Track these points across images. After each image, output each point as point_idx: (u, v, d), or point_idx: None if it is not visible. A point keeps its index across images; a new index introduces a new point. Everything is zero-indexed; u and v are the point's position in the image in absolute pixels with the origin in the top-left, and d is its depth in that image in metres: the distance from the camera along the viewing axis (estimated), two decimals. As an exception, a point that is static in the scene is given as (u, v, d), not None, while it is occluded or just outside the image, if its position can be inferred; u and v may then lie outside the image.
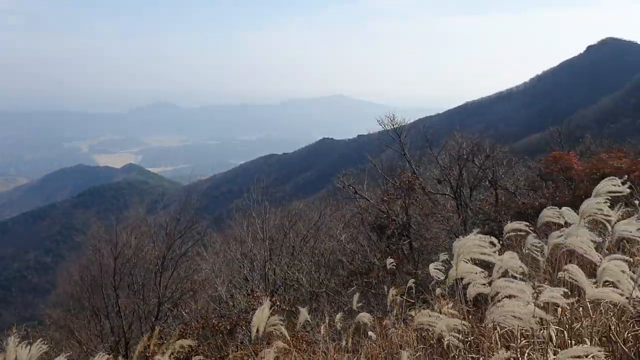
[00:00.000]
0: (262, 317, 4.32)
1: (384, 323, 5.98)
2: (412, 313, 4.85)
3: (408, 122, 20.65)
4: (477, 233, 3.02)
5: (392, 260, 7.56)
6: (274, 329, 4.49)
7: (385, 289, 6.39)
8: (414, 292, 6.93)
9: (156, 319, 14.41)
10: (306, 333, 8.05)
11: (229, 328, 9.08)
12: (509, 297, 2.46)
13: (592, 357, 2.12)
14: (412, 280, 7.21)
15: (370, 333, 5.51)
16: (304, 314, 5.63)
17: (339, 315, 6.28)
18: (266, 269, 13.31)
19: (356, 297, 5.72)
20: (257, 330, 4.24)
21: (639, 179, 15.11)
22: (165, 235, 16.46)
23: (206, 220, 33.10)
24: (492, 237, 3.04)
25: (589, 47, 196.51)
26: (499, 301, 2.42)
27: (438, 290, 5.98)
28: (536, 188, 16.96)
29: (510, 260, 2.77)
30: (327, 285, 13.18)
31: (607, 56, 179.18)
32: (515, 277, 2.73)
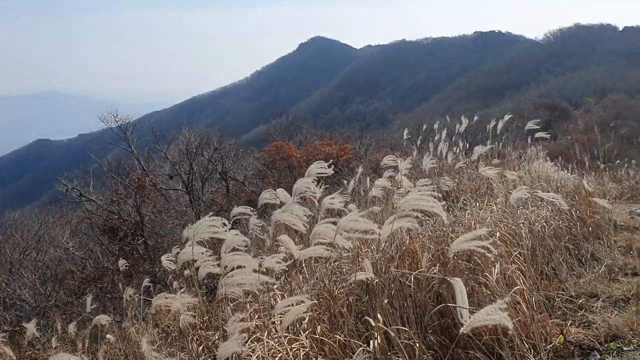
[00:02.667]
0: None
1: (122, 325, 5.86)
2: (151, 310, 4.87)
3: (134, 119, 20.08)
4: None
5: (124, 261, 7.39)
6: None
7: (121, 291, 6.25)
8: (152, 290, 6.88)
9: None
10: (36, 351, 7.38)
11: None
12: (239, 267, 2.71)
13: (302, 302, 2.50)
14: (148, 279, 7.17)
15: (108, 336, 5.36)
16: (30, 329, 5.22)
17: (72, 325, 5.94)
18: (-22, 290, 11.68)
19: (89, 300, 5.48)
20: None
21: (346, 162, 17.39)
22: None
23: None
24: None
25: (301, 45, 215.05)
26: (229, 273, 2.65)
27: (176, 284, 6.08)
28: (263, 176, 18.15)
29: (235, 237, 3.03)
30: (56, 298, 12.15)
31: (316, 53, 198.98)
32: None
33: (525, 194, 4.31)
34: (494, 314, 2.07)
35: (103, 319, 5.06)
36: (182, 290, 4.91)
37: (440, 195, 5.70)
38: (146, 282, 6.57)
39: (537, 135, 7.79)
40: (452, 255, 3.14)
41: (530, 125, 7.39)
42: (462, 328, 2.09)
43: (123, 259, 9.13)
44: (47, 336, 8.04)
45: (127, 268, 9.97)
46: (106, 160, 18.95)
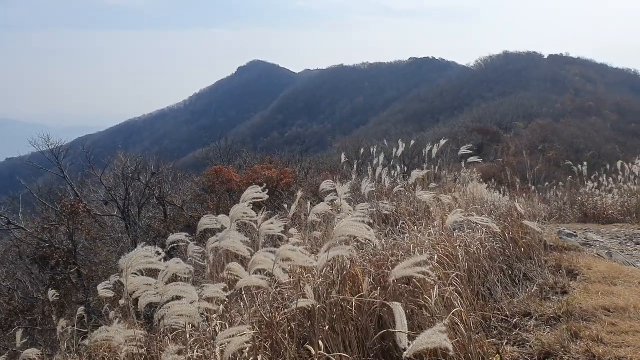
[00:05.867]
0: None
1: (54, 359, 5.59)
2: (86, 342, 4.67)
3: (67, 142, 19.42)
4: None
5: (54, 291, 7.07)
6: None
7: (54, 323, 5.96)
8: (86, 321, 6.61)
9: None
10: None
11: None
12: (178, 298, 2.66)
13: (244, 334, 2.48)
14: (82, 308, 6.88)
15: (37, 371, 5.09)
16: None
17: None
18: None
19: (19, 334, 5.21)
20: None
21: (287, 185, 17.39)
22: None
23: None
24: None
25: (240, 68, 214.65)
26: (169, 303, 2.60)
27: (112, 314, 5.86)
28: (202, 201, 17.87)
29: (176, 265, 2.97)
30: (-19, 332, 11.48)
31: (256, 76, 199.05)
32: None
33: (461, 217, 4.45)
34: (435, 337, 2.12)
35: (32, 352, 4.81)
36: (117, 321, 4.75)
37: (380, 219, 5.80)
38: (80, 310, 6.30)
39: (470, 160, 8.11)
40: (392, 280, 3.20)
41: (463, 150, 7.68)
42: (405, 352, 2.13)
43: (55, 288, 8.74)
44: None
45: (59, 298, 9.53)
46: (37, 186, 18.19)
